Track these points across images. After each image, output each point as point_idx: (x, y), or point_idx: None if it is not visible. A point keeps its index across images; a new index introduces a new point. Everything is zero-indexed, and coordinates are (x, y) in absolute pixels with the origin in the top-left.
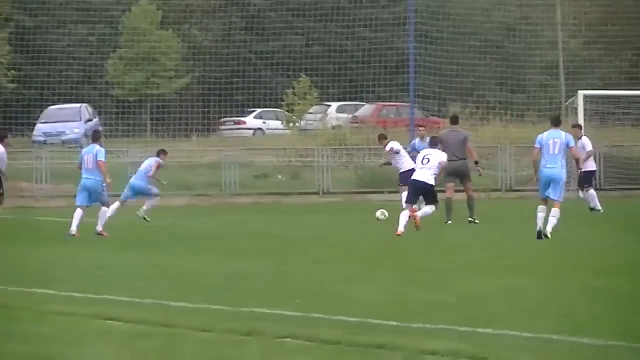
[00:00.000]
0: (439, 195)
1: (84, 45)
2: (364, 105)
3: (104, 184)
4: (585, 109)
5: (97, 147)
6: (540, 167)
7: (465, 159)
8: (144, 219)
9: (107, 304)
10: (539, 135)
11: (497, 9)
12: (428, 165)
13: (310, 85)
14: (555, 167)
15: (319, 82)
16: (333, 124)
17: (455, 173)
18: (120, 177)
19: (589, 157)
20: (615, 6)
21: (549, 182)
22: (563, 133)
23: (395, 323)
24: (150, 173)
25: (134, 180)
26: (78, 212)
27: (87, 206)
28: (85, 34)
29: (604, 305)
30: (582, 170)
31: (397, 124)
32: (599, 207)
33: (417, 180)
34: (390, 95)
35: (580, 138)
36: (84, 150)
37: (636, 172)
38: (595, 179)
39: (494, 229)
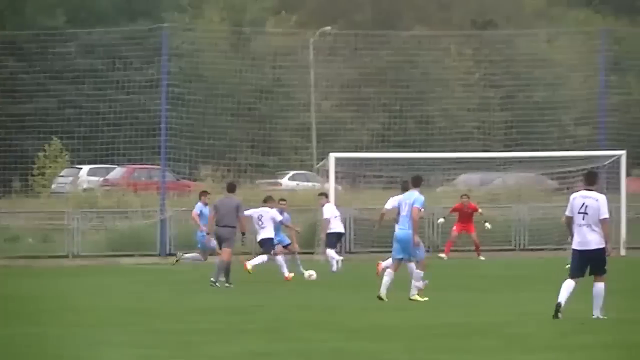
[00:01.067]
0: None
1: None
2: (115, 168)
3: None
4: (336, 171)
5: None
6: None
7: (234, 226)
8: None
9: None
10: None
11: (251, 71)
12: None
13: (61, 148)
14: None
15: (71, 144)
16: (84, 187)
17: (221, 237)
18: None
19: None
20: (370, 67)
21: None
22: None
23: None
24: None
25: None
26: None
27: None
28: None
29: None
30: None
31: (148, 187)
32: (334, 268)
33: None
34: (142, 158)
35: (323, 205)
36: None
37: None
38: (341, 242)
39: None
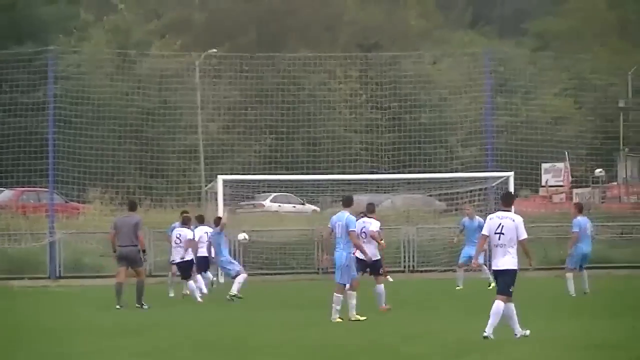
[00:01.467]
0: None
1: None
2: (4, 190)
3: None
4: (224, 194)
5: None
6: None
7: (136, 245)
8: None
9: None
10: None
11: (137, 93)
12: None
13: None
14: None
15: None
16: None
17: (127, 258)
18: None
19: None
20: (256, 89)
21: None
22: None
23: None
24: None
25: None
26: None
27: None
28: None
29: None
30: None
31: (37, 210)
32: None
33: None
34: (30, 180)
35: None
36: None
37: (275, 257)
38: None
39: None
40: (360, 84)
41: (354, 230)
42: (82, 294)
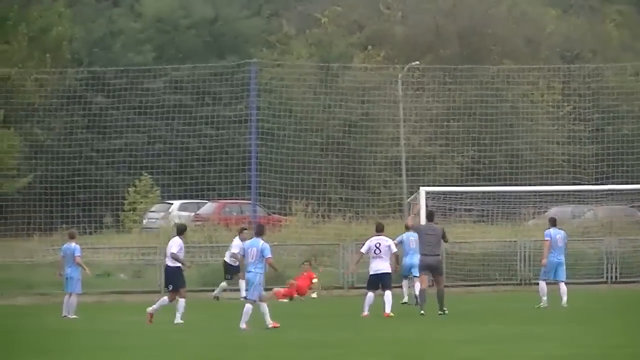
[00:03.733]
0: None
1: None
2: (206, 203)
3: None
4: (427, 205)
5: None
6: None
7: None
8: None
9: None
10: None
11: (339, 106)
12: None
13: (152, 184)
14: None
15: (161, 179)
16: (175, 222)
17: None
18: None
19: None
20: (458, 101)
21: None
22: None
23: None
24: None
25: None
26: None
27: None
28: None
29: None
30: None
31: (239, 222)
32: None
33: None
34: (233, 192)
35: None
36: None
37: (478, 269)
38: None
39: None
40: (562, 95)
41: (271, 257)
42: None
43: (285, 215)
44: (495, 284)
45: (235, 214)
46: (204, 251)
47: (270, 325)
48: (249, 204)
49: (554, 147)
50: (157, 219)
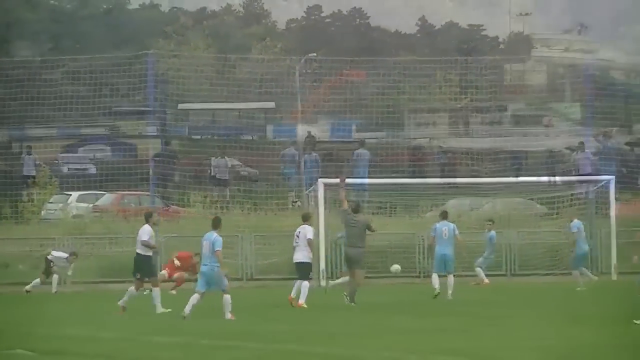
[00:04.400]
0: None
1: None
2: (104, 194)
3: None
4: (325, 198)
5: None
6: None
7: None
8: None
9: None
10: None
11: (237, 97)
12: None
13: (51, 175)
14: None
15: (60, 171)
16: (74, 213)
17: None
18: None
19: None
20: (355, 94)
21: None
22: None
23: None
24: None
25: None
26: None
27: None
28: None
29: None
30: None
31: (138, 213)
32: None
33: None
34: (131, 184)
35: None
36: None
37: (376, 261)
38: None
39: None
40: (460, 88)
41: (219, 250)
42: None
43: (184, 207)
44: (394, 276)
45: (133, 205)
46: (103, 243)
47: (228, 317)
48: (147, 195)
49: (452, 140)
50: (56, 210)
